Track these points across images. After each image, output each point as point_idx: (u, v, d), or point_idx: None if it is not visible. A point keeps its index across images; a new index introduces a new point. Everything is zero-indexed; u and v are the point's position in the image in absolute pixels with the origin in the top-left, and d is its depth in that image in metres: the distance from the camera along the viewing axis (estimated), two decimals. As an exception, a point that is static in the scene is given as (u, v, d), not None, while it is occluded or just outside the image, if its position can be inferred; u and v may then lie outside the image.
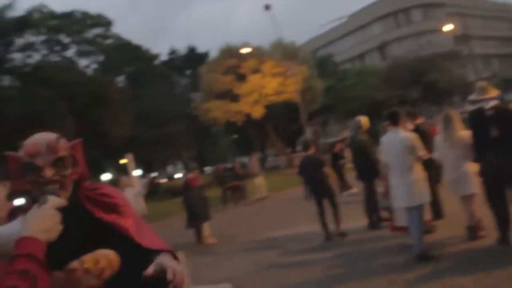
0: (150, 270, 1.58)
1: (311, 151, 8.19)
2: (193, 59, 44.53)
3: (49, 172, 1.61)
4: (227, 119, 30.00)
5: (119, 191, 1.91)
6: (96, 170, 32.89)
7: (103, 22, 35.14)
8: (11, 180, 1.73)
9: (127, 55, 36.34)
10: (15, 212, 3.05)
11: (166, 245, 1.81)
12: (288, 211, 12.40)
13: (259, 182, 17.73)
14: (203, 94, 31.64)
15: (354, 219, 8.48)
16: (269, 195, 17.50)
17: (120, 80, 36.40)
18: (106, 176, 35.89)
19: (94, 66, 35.00)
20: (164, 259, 1.64)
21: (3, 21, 24.97)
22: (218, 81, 29.73)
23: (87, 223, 1.72)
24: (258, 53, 28.96)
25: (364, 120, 8.15)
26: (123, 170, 26.18)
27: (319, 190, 7.93)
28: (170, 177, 45.02)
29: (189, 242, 9.99)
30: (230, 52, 30.27)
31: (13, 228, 1.43)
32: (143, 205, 9.72)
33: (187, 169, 50.37)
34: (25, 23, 27.07)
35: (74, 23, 32.23)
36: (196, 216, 9.82)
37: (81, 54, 33.85)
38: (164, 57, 45.93)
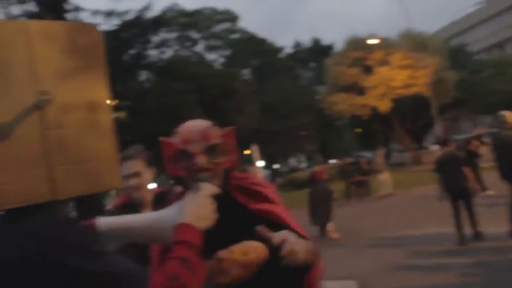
0: (271, 234, 1.52)
1: (449, 147, 7.70)
2: (318, 51, 44.38)
3: (202, 160, 1.61)
4: (353, 112, 29.39)
5: (266, 181, 1.88)
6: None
7: (230, 17, 36.49)
8: (165, 166, 1.74)
9: (253, 49, 37.28)
10: (161, 197, 3.20)
11: (307, 234, 1.77)
12: (416, 210, 11.77)
13: (384, 178, 17.13)
14: (328, 86, 31.31)
15: (493, 224, 7.68)
16: (394, 193, 16.81)
17: (246, 73, 37.39)
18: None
19: (221, 60, 36.50)
20: (288, 234, 1.55)
21: (142, 22, 26.92)
22: (344, 74, 29.21)
23: (236, 213, 1.70)
24: (385, 44, 27.87)
25: (509, 115, 7.38)
26: (247, 161, 26.97)
27: (456, 190, 7.41)
28: (292, 170, 45.45)
29: (312, 235, 9.85)
30: (356, 44, 29.55)
31: (170, 214, 1.40)
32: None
33: (309, 162, 50.55)
34: (160, 22, 29.00)
35: (203, 19, 33.85)
36: (320, 213, 9.71)
37: (210, 48, 35.49)
38: (288, 50, 46.37)
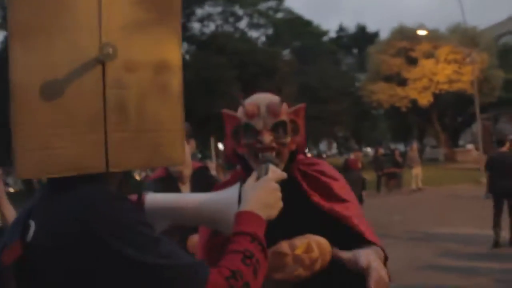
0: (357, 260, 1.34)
1: (506, 147, 7.56)
2: (362, 38, 43.55)
3: (267, 137, 1.45)
4: (392, 103, 28.82)
5: (336, 170, 1.66)
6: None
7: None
8: (225, 142, 1.60)
9: (296, 30, 36.77)
10: (201, 172, 3.17)
11: (376, 237, 1.53)
12: (448, 208, 11.58)
13: (417, 172, 16.92)
14: (369, 74, 30.75)
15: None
16: (425, 188, 16.58)
17: (287, 53, 37.07)
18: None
19: (263, 38, 36.21)
20: (368, 255, 1.35)
21: (189, -7, 26.83)
22: (387, 63, 28.58)
23: (300, 202, 1.52)
24: (433, 37, 27.07)
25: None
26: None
27: (505, 191, 7.31)
28: (319, 155, 45.19)
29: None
30: (402, 34, 28.82)
31: (229, 198, 1.25)
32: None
33: (339, 149, 50.03)
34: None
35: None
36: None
37: (253, 26, 35.19)
38: (331, 34, 45.65)
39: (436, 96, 27.60)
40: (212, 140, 26.47)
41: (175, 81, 1.08)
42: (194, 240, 2.46)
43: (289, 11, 37.50)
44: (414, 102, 28.01)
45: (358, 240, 1.46)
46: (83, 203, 0.92)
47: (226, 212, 1.21)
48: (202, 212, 1.28)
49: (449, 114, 32.18)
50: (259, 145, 1.46)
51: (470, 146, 34.19)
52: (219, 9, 32.33)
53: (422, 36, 26.68)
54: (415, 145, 19.24)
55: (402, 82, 28.26)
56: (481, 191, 13.75)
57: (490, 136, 28.44)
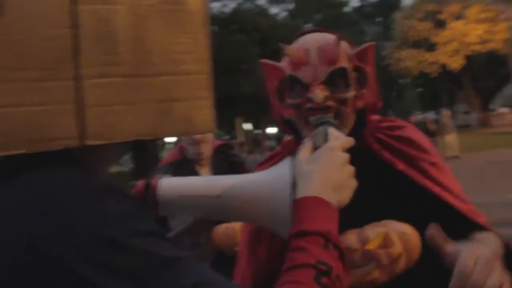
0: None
1: None
2: (385, 6, 42.39)
3: (320, 93, 1.03)
4: (421, 69, 27.86)
5: (426, 137, 1.23)
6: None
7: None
8: (270, 101, 1.16)
9: (317, 2, 36.01)
10: (222, 151, 2.63)
11: (486, 219, 1.11)
12: (491, 175, 11.02)
13: (451, 139, 16.35)
14: (396, 42, 29.76)
15: None
16: (462, 156, 15.96)
17: (309, 27, 36.36)
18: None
19: (283, 14, 35.57)
20: (476, 251, 0.89)
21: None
22: (414, 28, 27.56)
23: (376, 176, 1.12)
24: (461, -3, 25.98)
25: None
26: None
27: None
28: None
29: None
30: (428, -3, 27.76)
31: (278, 178, 0.84)
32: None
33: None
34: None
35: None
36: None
37: (272, 2, 34.59)
38: (354, 3, 44.54)
39: (467, 58, 26.54)
40: (238, 121, 26.25)
41: (194, 3, 0.67)
42: (222, 229, 2.04)
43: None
44: (444, 67, 27.02)
45: (462, 226, 1.05)
46: (39, 204, 0.55)
47: (275, 200, 0.82)
48: (241, 203, 0.88)
49: (482, 77, 31.05)
50: (309, 105, 1.05)
51: (504, 109, 33.12)
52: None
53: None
54: (447, 111, 18.57)
55: (431, 47, 27.24)
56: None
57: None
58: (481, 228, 1.06)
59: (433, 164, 1.14)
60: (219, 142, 2.74)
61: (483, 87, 31.43)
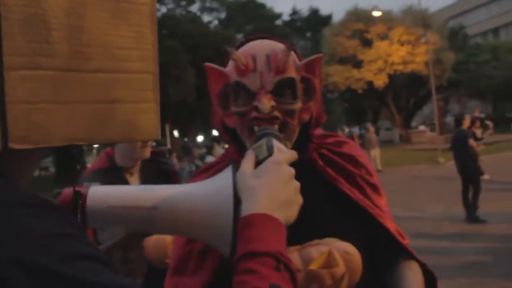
0: None
1: (464, 125, 7.67)
2: (315, 21, 43.52)
3: (267, 103, 0.96)
4: (348, 85, 28.79)
5: (367, 156, 1.24)
6: (207, 125, 33.71)
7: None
8: (212, 108, 1.09)
9: (249, 13, 36.32)
10: (153, 160, 2.42)
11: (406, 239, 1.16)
12: (411, 189, 11.47)
13: (375, 154, 16.93)
14: (325, 57, 30.60)
15: (499, 206, 7.58)
16: (384, 170, 16.57)
17: (241, 37, 36.54)
18: (216, 132, 36.68)
19: (216, 22, 35.55)
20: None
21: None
22: (342, 45, 28.51)
23: (318, 192, 1.08)
24: (387, 18, 27.18)
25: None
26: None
27: (468, 168, 7.53)
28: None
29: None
30: (357, 15, 28.81)
31: (218, 189, 0.78)
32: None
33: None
34: (156, -24, 27.98)
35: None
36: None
37: (205, 9, 34.48)
38: (284, 17, 45.39)
39: (390, 77, 27.77)
40: (167, 127, 25.76)
41: None
42: (153, 241, 1.89)
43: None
44: (369, 84, 28.10)
45: (391, 247, 1.13)
46: None
47: (216, 214, 0.75)
48: (177, 216, 0.80)
49: (403, 95, 32.59)
50: (255, 114, 0.98)
51: (422, 127, 34.93)
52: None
53: (376, 18, 26.72)
54: (372, 127, 19.24)
55: (358, 64, 28.25)
56: (440, 171, 14.03)
57: (443, 117, 28.99)
58: (405, 250, 1.14)
59: (372, 185, 1.14)
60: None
61: (405, 106, 33.02)
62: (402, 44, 26.62)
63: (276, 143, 0.86)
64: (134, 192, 0.85)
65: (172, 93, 23.45)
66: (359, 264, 0.94)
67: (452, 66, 28.71)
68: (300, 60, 1.07)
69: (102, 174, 2.25)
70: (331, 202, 1.08)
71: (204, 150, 11.91)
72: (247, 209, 0.70)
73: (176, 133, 30.34)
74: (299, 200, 0.76)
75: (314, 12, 45.70)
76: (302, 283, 0.89)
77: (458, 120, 7.99)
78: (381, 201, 1.14)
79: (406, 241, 1.14)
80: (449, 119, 35.46)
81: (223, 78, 1.06)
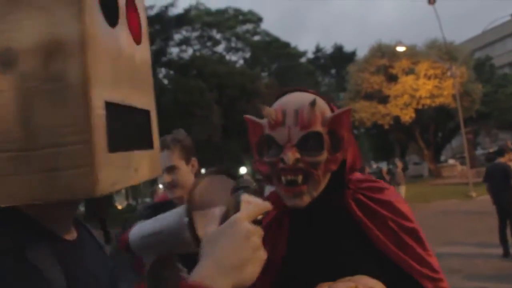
0: None
1: (506, 158, 7.62)
2: (339, 58, 43.81)
3: (291, 156, 1.07)
4: (374, 120, 28.64)
5: (406, 203, 1.25)
6: (234, 163, 33.83)
7: (253, 18, 36.11)
8: (253, 153, 1.22)
9: (274, 52, 36.80)
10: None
11: None
12: (443, 225, 11.14)
13: (403, 190, 16.60)
14: (350, 93, 30.63)
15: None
16: (412, 205, 16.20)
17: (266, 76, 36.98)
18: (243, 170, 36.69)
19: (241, 62, 36.13)
20: None
21: (165, 18, 26.73)
22: (367, 81, 28.52)
23: (352, 237, 1.15)
24: (411, 53, 27.12)
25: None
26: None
27: (505, 202, 7.28)
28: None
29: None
30: (381, 51, 28.87)
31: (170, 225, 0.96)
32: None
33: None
34: (183, 20, 28.74)
35: (226, 20, 33.63)
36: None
37: (230, 49, 35.16)
38: (310, 54, 45.83)
39: (417, 111, 27.55)
40: (193, 166, 25.90)
41: (74, 68, 0.67)
42: None
43: (266, 34, 37.59)
44: (396, 118, 27.91)
45: None
46: None
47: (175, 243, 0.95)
48: (166, 238, 0.98)
49: (431, 129, 32.21)
50: (282, 165, 1.11)
51: (452, 161, 34.30)
52: (196, 33, 32.24)
53: (400, 53, 26.72)
54: (400, 162, 18.96)
55: (384, 100, 28.17)
56: (472, 205, 13.67)
57: (474, 149, 28.43)
58: None
59: (411, 231, 1.17)
60: None
61: (433, 139, 32.60)
62: (428, 78, 26.49)
63: (246, 198, 0.85)
64: (157, 221, 1.00)
65: (197, 132, 23.70)
66: None
67: (481, 97, 28.37)
68: (332, 110, 1.17)
69: (151, 209, 2.25)
70: (363, 250, 1.13)
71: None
72: (191, 275, 0.73)
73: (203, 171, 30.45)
74: (261, 256, 0.76)
75: (338, 49, 46.10)
76: None
77: (500, 152, 7.78)
78: (421, 249, 1.16)
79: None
80: (479, 152, 34.90)
81: (259, 129, 1.19)
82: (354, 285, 0.97)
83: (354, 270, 1.05)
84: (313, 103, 1.10)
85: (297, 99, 1.15)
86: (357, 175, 1.23)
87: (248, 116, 1.23)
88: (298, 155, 1.08)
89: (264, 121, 1.18)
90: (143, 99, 0.88)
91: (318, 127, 1.11)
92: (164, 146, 2.02)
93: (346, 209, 1.16)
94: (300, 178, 1.09)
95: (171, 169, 2.04)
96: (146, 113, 0.88)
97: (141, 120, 0.86)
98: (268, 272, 1.11)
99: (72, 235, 0.81)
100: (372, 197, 1.18)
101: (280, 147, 1.12)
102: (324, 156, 1.10)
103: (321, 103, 1.15)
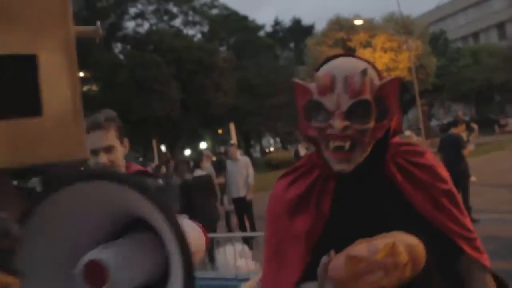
0: None
1: (459, 129, 7.88)
2: (298, 31, 43.77)
3: (340, 123, 1.10)
4: (331, 92, 28.87)
5: (443, 165, 1.30)
6: (194, 138, 33.59)
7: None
8: (299, 117, 1.22)
9: (232, 25, 36.38)
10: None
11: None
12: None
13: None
14: (309, 66, 30.74)
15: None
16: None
17: (224, 50, 36.56)
18: (203, 145, 36.48)
19: (199, 36, 35.54)
20: None
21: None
22: (325, 54, 28.61)
23: (393, 202, 1.21)
24: (369, 26, 27.36)
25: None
26: (219, 140, 26.45)
27: (457, 172, 7.30)
28: (263, 151, 44.87)
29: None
30: (339, 24, 28.98)
31: None
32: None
33: (283, 143, 50.50)
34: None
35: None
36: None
37: (188, 23, 34.49)
38: (267, 28, 45.56)
39: (375, 84, 27.89)
40: (154, 142, 25.57)
41: None
42: None
43: (224, 7, 37.05)
44: (353, 92, 28.17)
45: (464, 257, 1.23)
46: None
47: None
48: None
49: (388, 102, 32.80)
50: (330, 131, 1.14)
51: (408, 133, 35.15)
52: (152, 7, 31.43)
53: (358, 26, 26.89)
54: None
55: (341, 73, 28.33)
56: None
57: (429, 121, 29.20)
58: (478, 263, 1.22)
59: (448, 193, 1.24)
60: (136, 167, 2.36)
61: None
62: (385, 51, 26.82)
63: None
64: None
65: (157, 109, 23.31)
66: (422, 254, 1.06)
67: (435, 71, 29.03)
68: (381, 78, 1.19)
69: None
70: (402, 212, 1.20)
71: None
72: None
73: (163, 147, 30.13)
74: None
75: (297, 23, 46.05)
76: (368, 271, 1.01)
77: (454, 123, 8.02)
78: (455, 210, 1.23)
79: (485, 255, 1.25)
80: (434, 123, 35.90)
81: (308, 93, 1.18)
82: (392, 240, 1.03)
83: (394, 230, 1.11)
84: (364, 72, 1.11)
85: (347, 65, 1.17)
86: (396, 138, 1.26)
87: (296, 80, 1.22)
88: (347, 123, 1.11)
89: (312, 86, 1.18)
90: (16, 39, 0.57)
91: (367, 95, 1.13)
92: (96, 127, 1.86)
93: (387, 173, 1.23)
94: (347, 145, 1.13)
95: (108, 149, 1.89)
96: (27, 59, 0.58)
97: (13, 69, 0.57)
98: (312, 231, 1.21)
99: None
100: (412, 161, 1.24)
101: (329, 113, 1.13)
102: (371, 123, 1.13)
103: (370, 70, 1.16)
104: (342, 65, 1.17)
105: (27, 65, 0.55)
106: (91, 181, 0.71)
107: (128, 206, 0.77)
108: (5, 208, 0.57)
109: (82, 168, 1.28)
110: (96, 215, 0.80)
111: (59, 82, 0.58)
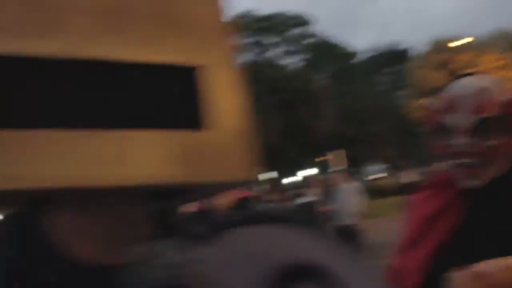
0: None
1: None
2: (393, 56, 42.76)
3: (463, 141, 1.14)
4: (439, 119, 27.90)
5: None
6: (293, 166, 33.65)
7: (301, 21, 35.90)
8: (428, 137, 1.28)
9: (328, 53, 36.46)
10: (243, 206, 2.39)
11: None
12: None
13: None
14: (412, 91, 29.92)
15: None
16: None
17: (321, 77, 36.74)
18: (306, 173, 36.22)
19: (295, 65, 35.98)
20: None
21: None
22: (428, 78, 27.76)
23: None
24: (474, 46, 26.20)
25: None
26: (320, 167, 26.34)
27: None
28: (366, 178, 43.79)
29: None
30: (439, 46, 28.06)
31: None
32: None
33: (388, 169, 49.01)
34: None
35: (277, 25, 33.74)
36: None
37: (284, 53, 35.14)
38: (363, 53, 45.07)
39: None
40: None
41: None
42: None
43: (319, 36, 37.25)
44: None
45: None
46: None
47: None
48: None
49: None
50: (454, 149, 1.18)
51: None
52: (250, 40, 32.47)
53: (461, 47, 25.87)
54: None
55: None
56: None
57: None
58: None
59: None
60: (241, 194, 2.35)
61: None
62: (495, 70, 25.52)
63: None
64: None
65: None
66: None
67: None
68: (504, 93, 1.19)
69: (191, 217, 2.13)
70: None
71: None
72: None
73: (271, 174, 30.47)
74: None
75: (392, 47, 45.07)
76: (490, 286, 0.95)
77: None
78: None
79: None
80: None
81: (433, 114, 1.25)
82: None
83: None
84: (485, 89, 1.15)
85: (469, 84, 1.21)
86: None
87: (424, 103, 1.36)
88: (469, 140, 1.14)
89: (438, 107, 1.24)
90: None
91: (491, 112, 1.15)
92: None
93: None
94: (473, 161, 1.14)
95: None
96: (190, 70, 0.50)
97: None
98: (440, 245, 1.18)
99: None
100: None
101: (450, 132, 1.18)
102: (497, 139, 1.14)
103: (493, 86, 1.19)
104: (464, 84, 1.23)
105: (189, 76, 0.51)
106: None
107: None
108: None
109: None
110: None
111: (222, 96, 0.53)
